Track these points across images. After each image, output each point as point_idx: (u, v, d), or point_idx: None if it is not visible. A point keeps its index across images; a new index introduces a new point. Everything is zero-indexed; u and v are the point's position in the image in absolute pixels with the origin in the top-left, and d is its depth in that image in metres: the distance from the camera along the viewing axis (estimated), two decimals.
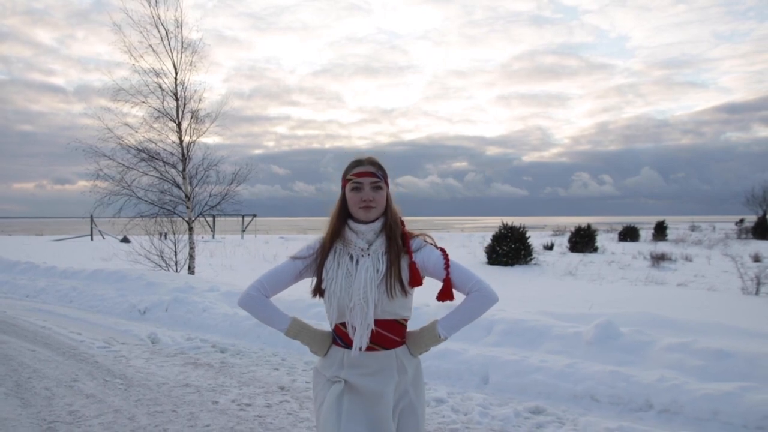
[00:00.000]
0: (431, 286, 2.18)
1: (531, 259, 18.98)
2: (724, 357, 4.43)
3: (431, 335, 2.14)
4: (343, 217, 2.17)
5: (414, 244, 2.17)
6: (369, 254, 2.11)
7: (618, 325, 5.20)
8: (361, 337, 2.06)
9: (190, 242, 14.00)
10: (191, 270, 13.73)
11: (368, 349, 2.08)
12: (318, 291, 2.16)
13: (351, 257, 2.12)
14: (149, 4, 13.45)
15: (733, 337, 5.10)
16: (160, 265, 13.76)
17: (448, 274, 2.11)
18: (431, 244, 2.21)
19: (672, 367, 4.47)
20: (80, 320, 7.87)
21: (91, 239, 36.84)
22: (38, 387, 4.77)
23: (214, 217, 19.24)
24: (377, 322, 2.07)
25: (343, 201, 2.18)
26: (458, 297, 2.17)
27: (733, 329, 5.40)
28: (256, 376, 5.18)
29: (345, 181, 2.17)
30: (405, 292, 2.09)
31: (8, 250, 20.58)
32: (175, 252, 14.26)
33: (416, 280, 2.10)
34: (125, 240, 30.49)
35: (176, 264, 14.13)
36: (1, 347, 6.14)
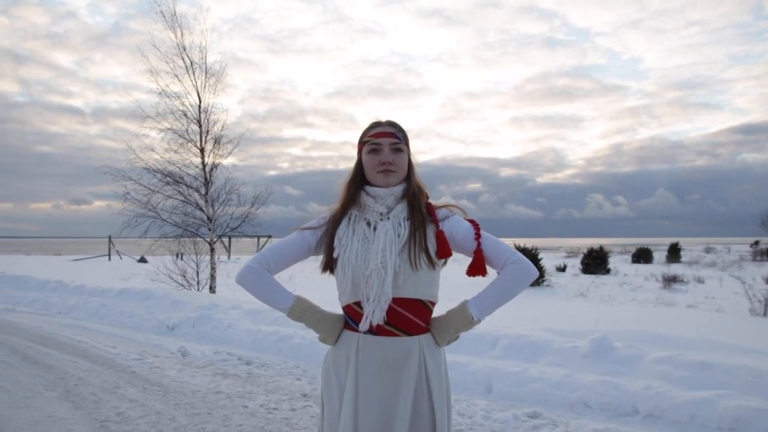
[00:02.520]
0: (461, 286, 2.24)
1: (543, 281, 19.29)
2: (706, 368, 4.87)
3: (461, 318, 1.87)
4: (358, 183, 1.96)
5: (440, 213, 1.96)
6: (389, 218, 1.89)
7: (613, 340, 5.65)
8: (374, 310, 1.81)
9: (211, 262, 14.58)
10: (212, 289, 14.29)
11: (387, 333, 1.83)
12: (329, 264, 1.93)
13: (368, 223, 1.90)
14: (175, 36, 14.20)
15: (717, 351, 5.52)
16: (182, 285, 14.34)
17: (479, 244, 1.89)
18: (459, 215, 2.00)
19: (658, 377, 4.92)
20: (113, 335, 8.43)
21: (109, 259, 37.57)
22: (85, 392, 5.30)
23: (230, 238, 19.79)
24: (399, 300, 1.82)
25: (359, 167, 1.98)
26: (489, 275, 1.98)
27: (720, 344, 5.82)
28: (281, 385, 5.68)
29: (361, 144, 1.97)
30: (432, 264, 1.84)
31: (32, 270, 21.21)
32: (197, 272, 14.84)
33: (445, 250, 1.85)
34: (143, 260, 31.26)
35: (198, 283, 14.70)
36: (46, 358, 6.69)
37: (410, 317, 1.84)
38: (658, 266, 28.58)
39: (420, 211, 1.90)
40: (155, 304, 10.33)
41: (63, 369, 6.19)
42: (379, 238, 1.84)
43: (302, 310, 1.92)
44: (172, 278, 14.46)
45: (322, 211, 2.06)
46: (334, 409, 1.89)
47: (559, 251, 48.04)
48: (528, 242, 25.35)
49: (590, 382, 4.95)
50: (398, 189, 1.93)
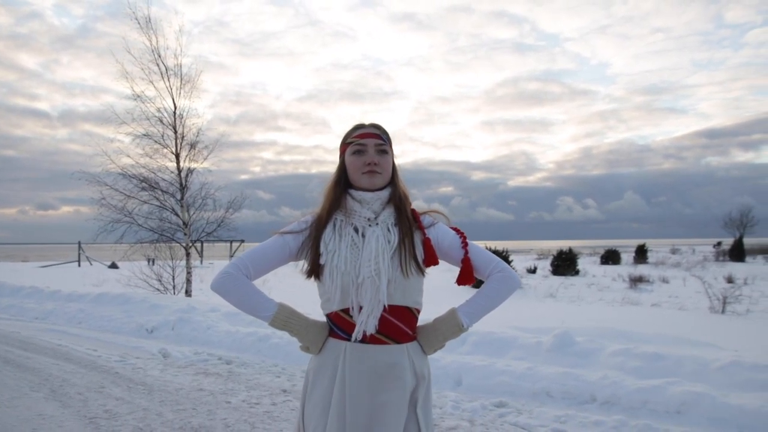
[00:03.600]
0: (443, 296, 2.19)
1: None
2: (658, 359, 5.28)
3: (451, 325, 1.85)
4: (342, 186, 1.90)
5: (425, 220, 1.94)
6: (377, 224, 1.85)
7: (574, 335, 6.02)
8: (368, 317, 1.76)
9: (187, 267, 14.70)
10: (188, 293, 14.41)
11: (376, 341, 1.78)
12: (314, 271, 1.84)
13: (355, 229, 1.85)
14: (150, 42, 14.31)
15: (669, 344, 5.94)
16: (159, 289, 14.44)
17: (466, 253, 1.88)
18: (443, 222, 1.99)
19: (615, 368, 5.31)
20: (93, 338, 8.56)
21: (79, 265, 37.10)
22: (71, 392, 5.48)
23: (202, 243, 19.83)
24: (389, 307, 1.79)
25: (343, 169, 1.92)
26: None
27: (672, 338, 6.25)
28: (261, 382, 5.94)
29: (345, 146, 1.92)
30: (421, 271, 1.83)
31: (1, 276, 20.93)
32: (173, 276, 14.96)
33: (432, 258, 1.85)
34: (113, 266, 31.07)
35: (174, 288, 14.82)
36: (27, 362, 6.83)
37: (399, 325, 1.80)
38: (626, 267, 29.25)
39: (407, 216, 1.88)
40: (133, 308, 10.46)
41: (46, 371, 6.34)
42: (370, 244, 1.80)
43: (286, 318, 1.83)
44: (148, 283, 14.56)
45: (296, 215, 2.00)
46: (315, 421, 1.81)
47: (530, 253, 48.82)
48: (499, 245, 25.79)
49: (552, 374, 5.32)
50: (384, 193, 1.89)
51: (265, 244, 1.90)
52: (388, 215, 1.87)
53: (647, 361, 5.28)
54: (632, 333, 6.43)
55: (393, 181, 1.92)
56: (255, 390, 5.62)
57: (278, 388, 5.72)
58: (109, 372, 6.34)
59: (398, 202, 1.89)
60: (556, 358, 5.71)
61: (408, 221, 1.87)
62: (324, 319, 1.91)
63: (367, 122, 1.95)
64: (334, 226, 1.86)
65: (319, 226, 1.89)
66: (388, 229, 1.84)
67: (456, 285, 1.95)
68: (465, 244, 1.89)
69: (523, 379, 5.38)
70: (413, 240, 1.84)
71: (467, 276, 1.88)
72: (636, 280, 19.53)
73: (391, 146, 1.93)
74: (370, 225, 1.85)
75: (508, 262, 19.59)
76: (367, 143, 1.87)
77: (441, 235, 1.91)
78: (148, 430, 4.41)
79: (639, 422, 4.39)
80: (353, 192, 1.88)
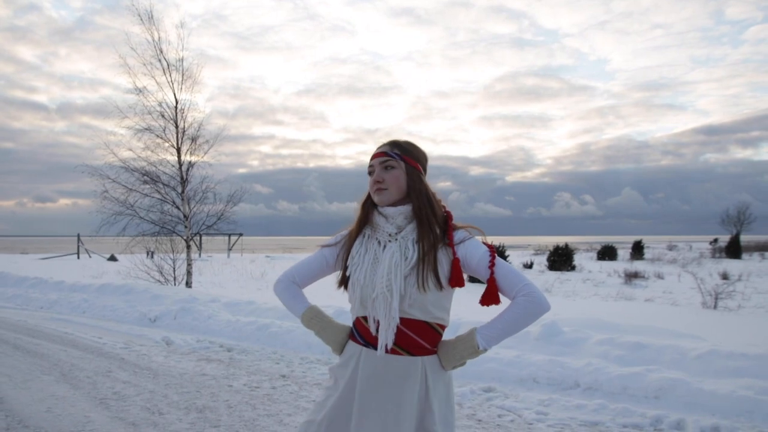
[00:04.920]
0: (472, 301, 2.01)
1: None
2: (640, 348, 5.54)
3: (468, 345, 1.85)
4: (370, 202, 2.00)
5: (457, 236, 1.92)
6: (397, 239, 1.90)
7: (562, 325, 6.28)
8: (386, 333, 1.84)
9: (187, 259, 14.95)
10: (188, 284, 14.66)
11: (390, 351, 1.86)
12: (344, 281, 1.98)
13: (379, 243, 1.93)
14: (153, 38, 14.53)
15: (652, 334, 6.20)
16: (159, 281, 14.70)
17: (492, 273, 1.85)
18: (477, 237, 1.97)
19: (599, 356, 5.58)
20: (98, 327, 8.83)
21: (78, 257, 37.33)
22: (81, 376, 5.74)
23: (200, 236, 19.98)
24: (406, 321, 1.84)
25: None
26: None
27: (657, 329, 6.50)
28: (261, 368, 6.20)
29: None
30: (440, 286, 1.83)
31: (2, 268, 21.14)
32: (174, 268, 15.22)
33: (458, 280, 1.86)
34: (112, 258, 31.35)
35: (175, 279, 15.07)
36: (37, 348, 7.09)
37: (416, 339, 1.85)
38: (622, 263, 29.42)
39: (432, 231, 1.89)
40: (136, 298, 10.73)
41: (55, 356, 6.60)
42: (384, 260, 1.87)
43: (310, 318, 2.03)
44: (149, 274, 14.82)
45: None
46: (316, 407, 1.96)
47: (527, 249, 49.05)
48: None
49: (539, 361, 5.58)
50: (407, 208, 1.93)
51: (309, 257, 2.11)
52: (411, 230, 1.91)
53: (630, 350, 5.55)
54: (618, 324, 6.68)
55: (411, 193, 1.94)
56: (255, 375, 5.89)
57: (277, 373, 5.98)
58: (115, 358, 6.59)
59: (422, 216, 1.90)
60: (544, 346, 5.98)
61: (433, 235, 1.88)
62: (351, 323, 2.05)
63: (386, 140, 2.03)
64: (363, 239, 1.98)
65: (350, 239, 2.01)
66: (408, 246, 1.88)
67: (483, 306, 1.92)
68: (492, 264, 1.86)
69: (511, 366, 5.64)
70: (436, 255, 1.86)
71: (491, 296, 1.87)
72: (631, 276, 19.74)
73: (407, 160, 1.95)
74: (390, 240, 1.92)
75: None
76: (374, 163, 1.96)
77: (470, 252, 1.90)
78: (155, 410, 4.67)
79: (618, 406, 4.66)
80: (380, 207, 1.97)
